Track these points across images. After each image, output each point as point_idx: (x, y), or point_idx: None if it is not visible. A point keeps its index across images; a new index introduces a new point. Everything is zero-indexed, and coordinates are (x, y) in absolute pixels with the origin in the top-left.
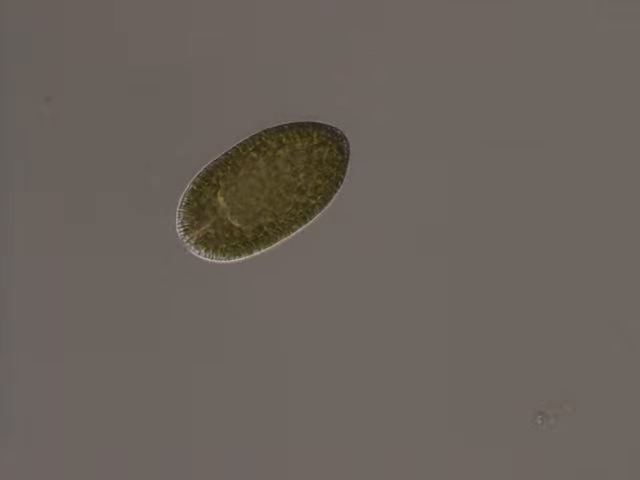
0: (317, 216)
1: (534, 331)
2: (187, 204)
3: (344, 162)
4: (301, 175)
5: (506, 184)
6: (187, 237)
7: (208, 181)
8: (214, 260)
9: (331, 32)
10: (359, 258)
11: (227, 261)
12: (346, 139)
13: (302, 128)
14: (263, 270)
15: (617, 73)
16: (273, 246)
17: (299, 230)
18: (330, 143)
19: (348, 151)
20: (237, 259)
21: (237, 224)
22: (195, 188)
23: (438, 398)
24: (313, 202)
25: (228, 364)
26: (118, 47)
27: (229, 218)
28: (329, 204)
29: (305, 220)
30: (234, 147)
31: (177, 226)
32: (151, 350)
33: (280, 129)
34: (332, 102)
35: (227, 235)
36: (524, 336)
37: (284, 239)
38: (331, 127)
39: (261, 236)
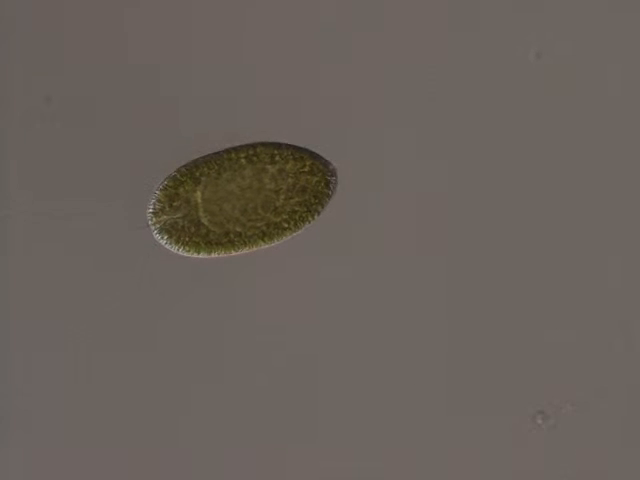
0: (285, 239)
1: (534, 330)
2: (164, 189)
3: (327, 196)
4: (282, 196)
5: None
6: (154, 219)
7: (192, 173)
8: (173, 250)
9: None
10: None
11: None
12: (336, 176)
13: (298, 152)
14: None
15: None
16: (233, 254)
17: (263, 247)
18: (320, 175)
19: (334, 187)
20: (194, 255)
21: (206, 222)
22: (178, 176)
23: (438, 398)
24: (285, 225)
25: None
26: (118, 47)
27: (200, 215)
28: (300, 231)
29: (272, 240)
30: (227, 149)
31: (148, 207)
32: (146, 347)
33: (277, 146)
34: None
35: (193, 229)
36: (524, 335)
37: (246, 251)
38: (325, 160)
39: (225, 242)
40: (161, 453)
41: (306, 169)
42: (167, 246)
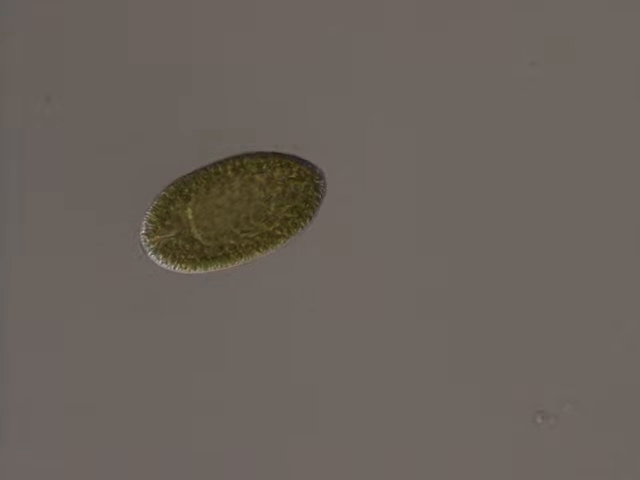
0: (279, 247)
1: (535, 331)
2: (155, 209)
3: (317, 200)
4: (272, 205)
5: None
6: (147, 241)
7: (181, 191)
8: (170, 268)
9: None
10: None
11: (182, 271)
12: (324, 179)
13: (284, 159)
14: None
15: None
16: (230, 267)
17: (259, 256)
18: (308, 179)
19: (324, 190)
20: (191, 272)
21: (199, 238)
22: (167, 195)
23: (438, 398)
24: (278, 233)
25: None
26: (118, 47)
27: (194, 231)
28: (294, 237)
29: (267, 249)
30: (214, 163)
31: (140, 229)
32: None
33: (262, 155)
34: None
35: (187, 247)
36: (525, 336)
37: (243, 263)
38: (312, 164)
39: (220, 255)
40: (161, 454)
41: (294, 175)
42: (163, 265)
